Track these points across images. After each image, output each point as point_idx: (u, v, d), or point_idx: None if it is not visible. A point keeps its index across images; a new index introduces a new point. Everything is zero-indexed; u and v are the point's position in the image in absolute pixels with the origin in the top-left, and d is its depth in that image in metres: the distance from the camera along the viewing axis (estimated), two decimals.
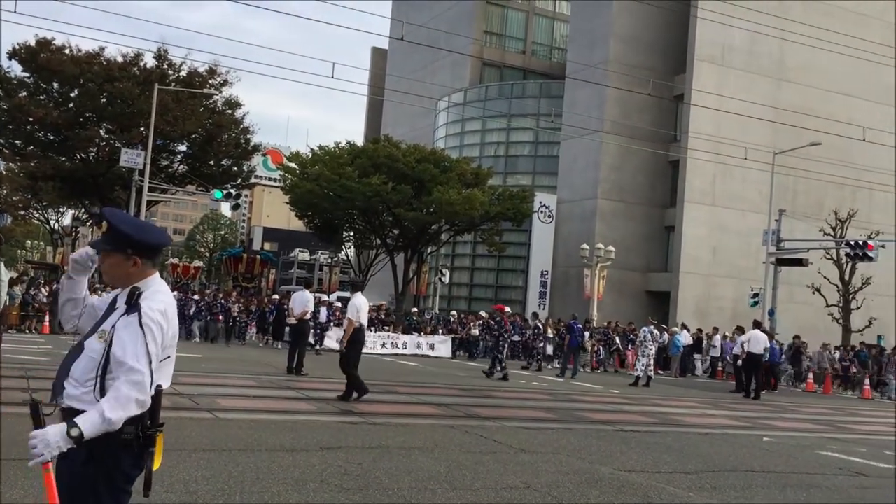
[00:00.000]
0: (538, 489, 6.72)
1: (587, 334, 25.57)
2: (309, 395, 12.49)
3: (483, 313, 29.33)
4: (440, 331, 28.92)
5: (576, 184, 41.70)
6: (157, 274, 3.10)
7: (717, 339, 29.20)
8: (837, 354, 28.56)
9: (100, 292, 3.27)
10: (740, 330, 23.96)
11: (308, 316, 16.90)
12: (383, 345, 26.10)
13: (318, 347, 23.54)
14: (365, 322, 12.79)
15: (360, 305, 12.52)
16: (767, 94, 38.60)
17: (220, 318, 25.26)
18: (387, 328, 27.59)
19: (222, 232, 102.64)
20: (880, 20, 41.46)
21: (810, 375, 27.09)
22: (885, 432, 14.72)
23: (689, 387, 23.00)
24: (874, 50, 37.90)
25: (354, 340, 12.34)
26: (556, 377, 21.69)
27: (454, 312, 32.54)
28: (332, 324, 25.12)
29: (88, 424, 2.70)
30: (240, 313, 26.28)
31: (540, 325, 26.34)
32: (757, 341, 20.93)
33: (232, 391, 12.32)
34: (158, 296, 2.99)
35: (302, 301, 16.85)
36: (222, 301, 25.91)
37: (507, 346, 21.19)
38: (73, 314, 3.16)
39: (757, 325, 22.35)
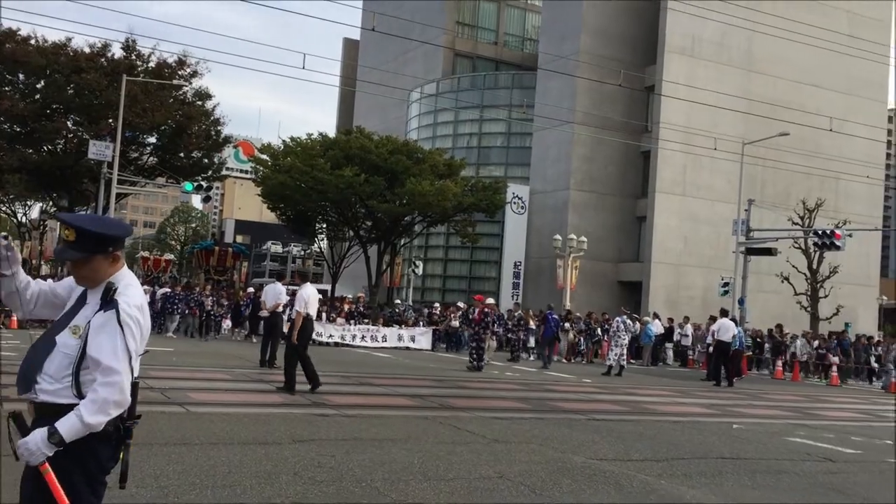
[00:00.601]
0: (511, 478, 6.76)
1: (567, 325, 25.65)
2: (282, 388, 12.41)
3: (461, 304, 29.25)
4: (421, 323, 28.73)
5: (548, 175, 41.84)
6: (126, 266, 3.08)
7: (689, 328, 29.50)
8: (816, 343, 28.80)
9: (56, 278, 3.19)
10: (713, 319, 24.23)
11: (281, 308, 16.78)
12: (363, 338, 25.72)
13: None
14: (313, 313, 12.68)
15: (309, 296, 12.43)
16: (737, 85, 38.95)
17: (196, 311, 25.07)
18: (367, 321, 27.31)
19: (193, 225, 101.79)
20: (847, 12, 42.01)
21: (779, 363, 27.44)
22: (851, 418, 14.99)
23: (660, 375, 23.23)
24: (841, 41, 38.43)
25: (302, 332, 12.21)
26: (540, 368, 21.76)
27: (437, 304, 32.35)
28: None
29: (68, 429, 2.74)
30: (213, 306, 26.02)
31: (523, 316, 26.44)
32: (726, 329, 21.21)
33: (204, 385, 12.24)
34: (131, 290, 2.97)
35: (275, 293, 16.74)
36: (197, 294, 25.70)
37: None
38: (24, 302, 3.08)
39: (724, 313, 22.65)
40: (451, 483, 6.44)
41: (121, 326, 2.83)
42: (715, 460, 8.53)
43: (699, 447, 9.37)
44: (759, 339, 28.34)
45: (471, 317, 19.88)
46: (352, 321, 26.50)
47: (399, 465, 6.99)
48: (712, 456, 8.80)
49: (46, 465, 2.72)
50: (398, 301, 35.53)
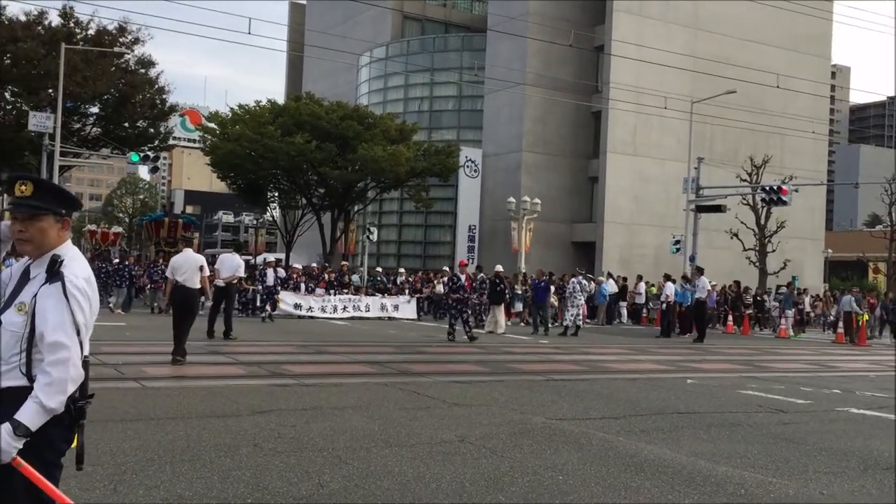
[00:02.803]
0: (472, 442, 6.79)
1: (552, 288, 25.36)
2: (239, 360, 12.32)
3: (446, 269, 28.52)
4: (407, 291, 27.48)
5: (500, 137, 41.78)
6: (70, 241, 2.98)
7: (642, 286, 29.93)
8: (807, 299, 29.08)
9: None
10: (667, 277, 24.58)
11: (235, 280, 16.48)
12: (344, 308, 24.71)
13: (268, 313, 22.07)
14: (183, 279, 11.91)
15: (176, 263, 12.10)
16: (684, 43, 39.16)
17: (162, 285, 24.55)
18: (346, 291, 26.09)
19: (141, 196, 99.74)
20: None
21: (730, 318, 27.95)
22: (800, 369, 15.38)
23: (615, 334, 23.56)
24: None
25: (171, 299, 11.99)
26: (532, 334, 21.61)
27: (402, 270, 31.13)
28: (279, 287, 23.93)
29: (31, 418, 2.66)
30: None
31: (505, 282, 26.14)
32: (703, 288, 21.72)
33: (158, 358, 12.05)
34: (77, 262, 2.87)
35: (231, 264, 16.38)
36: (160, 267, 25.12)
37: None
38: None
39: (700, 271, 22.93)
40: (413, 449, 6.45)
41: (67, 299, 2.74)
42: (671, 416, 8.68)
43: (655, 403, 9.52)
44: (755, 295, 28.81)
45: (455, 284, 18.26)
46: (331, 291, 25.51)
47: (360, 432, 6.97)
48: (668, 412, 8.95)
49: (18, 458, 2.65)
50: (379, 269, 34.40)
